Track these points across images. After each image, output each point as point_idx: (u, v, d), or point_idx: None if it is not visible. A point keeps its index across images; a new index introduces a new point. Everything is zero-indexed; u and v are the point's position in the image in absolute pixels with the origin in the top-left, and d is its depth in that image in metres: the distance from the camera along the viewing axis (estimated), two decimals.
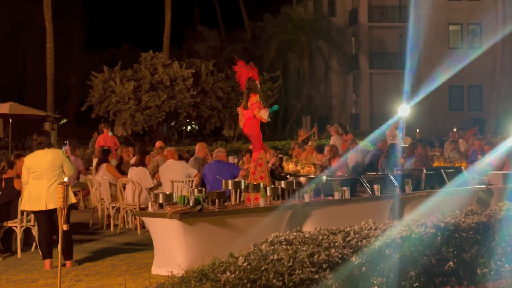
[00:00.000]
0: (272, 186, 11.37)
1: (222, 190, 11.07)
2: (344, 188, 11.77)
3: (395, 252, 6.55)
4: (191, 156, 16.76)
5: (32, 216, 11.64)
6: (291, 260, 5.81)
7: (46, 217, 10.78)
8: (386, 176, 12.98)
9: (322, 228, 7.02)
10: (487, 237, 7.60)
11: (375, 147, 17.88)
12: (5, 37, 47.37)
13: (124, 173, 15.35)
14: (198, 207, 9.85)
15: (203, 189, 11.22)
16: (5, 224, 12.07)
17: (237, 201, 11.29)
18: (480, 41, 43.07)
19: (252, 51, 48.01)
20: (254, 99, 11.95)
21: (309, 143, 22.21)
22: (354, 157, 16.85)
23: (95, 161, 17.99)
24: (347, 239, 6.59)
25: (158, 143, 19.42)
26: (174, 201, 10.10)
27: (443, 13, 43.21)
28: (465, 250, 7.32)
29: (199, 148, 16.01)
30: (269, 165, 14.33)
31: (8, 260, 11.69)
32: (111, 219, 14.80)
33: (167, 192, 10.65)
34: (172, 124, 38.75)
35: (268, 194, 11.00)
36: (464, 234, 7.39)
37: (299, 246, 6.25)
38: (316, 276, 5.72)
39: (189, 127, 47.55)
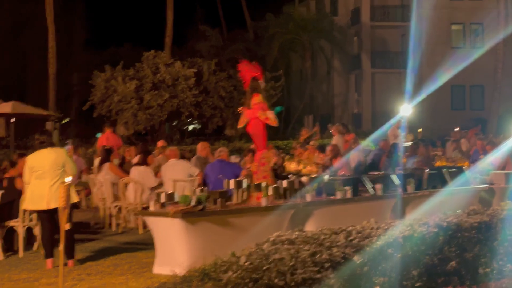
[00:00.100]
0: (274, 185, 11.37)
1: (224, 189, 11.07)
2: (346, 187, 11.77)
3: (397, 251, 6.55)
4: (193, 155, 16.76)
5: (34, 215, 11.65)
6: (293, 259, 5.81)
7: (48, 217, 10.79)
8: (388, 176, 12.99)
9: (324, 228, 7.02)
10: (489, 236, 7.60)
11: (377, 147, 17.88)
12: (7, 36, 47.35)
13: (126, 172, 15.35)
14: (200, 207, 9.86)
15: (205, 188, 11.23)
16: (7, 223, 12.07)
17: (239, 201, 11.29)
18: (482, 40, 43.04)
19: (254, 51, 47.98)
20: (257, 99, 11.94)
21: (311, 142, 22.16)
22: (356, 157, 16.85)
23: (97, 160, 17.99)
24: (349, 238, 6.59)
25: (160, 143, 19.41)
26: (176, 200, 10.11)
27: (445, 12, 43.19)
28: (467, 250, 7.31)
29: (201, 148, 16.01)
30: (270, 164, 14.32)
31: (10, 259, 11.70)
32: (113, 218, 14.80)
33: (169, 192, 10.66)
34: (174, 123, 38.74)
35: (270, 193, 11.00)
36: (466, 234, 7.39)
37: (301, 246, 6.25)
38: (318, 275, 5.72)
39: (191, 127, 47.51)
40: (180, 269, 7.40)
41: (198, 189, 10.86)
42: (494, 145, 17.87)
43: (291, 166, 16.35)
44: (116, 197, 14.98)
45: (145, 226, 13.48)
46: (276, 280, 5.52)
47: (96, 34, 59.38)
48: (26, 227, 12.00)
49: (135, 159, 15.76)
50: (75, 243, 11.17)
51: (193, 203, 9.78)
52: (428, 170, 13.72)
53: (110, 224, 14.87)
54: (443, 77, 36.05)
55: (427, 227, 7.10)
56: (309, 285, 5.62)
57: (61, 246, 8.46)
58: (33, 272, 10.43)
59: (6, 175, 12.62)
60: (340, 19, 48.69)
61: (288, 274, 5.60)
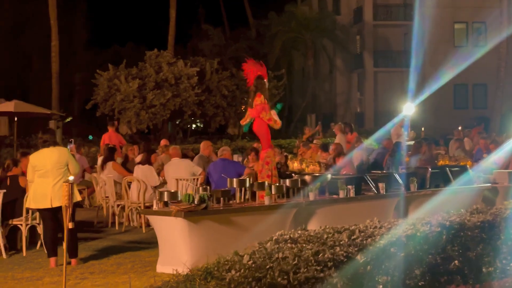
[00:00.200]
0: (277, 184, 11.38)
1: (227, 188, 11.08)
2: (349, 186, 11.77)
3: (400, 250, 6.54)
4: (195, 154, 16.77)
5: (37, 214, 11.66)
6: (296, 258, 5.80)
7: (51, 215, 10.80)
8: (391, 175, 12.99)
9: (327, 227, 7.02)
10: (493, 235, 7.59)
11: (380, 146, 17.87)
12: (8, 36, 47.36)
13: (129, 171, 15.37)
14: (203, 205, 9.86)
15: (208, 187, 11.24)
16: (10, 222, 12.08)
17: (242, 200, 11.29)
18: (485, 39, 43.01)
19: (257, 50, 47.98)
20: (259, 100, 11.95)
21: (314, 141, 22.20)
22: (359, 156, 16.84)
23: (100, 159, 18.01)
24: (352, 237, 6.58)
25: (163, 142, 19.42)
26: (179, 199, 10.12)
27: (448, 11, 43.16)
28: (470, 249, 7.31)
29: (204, 147, 16.02)
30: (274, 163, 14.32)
31: (14, 258, 11.71)
32: (116, 217, 14.82)
33: (172, 190, 10.66)
34: (177, 122, 38.77)
35: (273, 192, 11.01)
36: (469, 233, 7.38)
37: (304, 245, 6.25)
38: (321, 274, 5.71)
39: (193, 126, 47.55)
40: (183, 268, 7.39)
41: (200, 188, 10.86)
42: (497, 144, 17.86)
43: (294, 165, 16.37)
44: (119, 196, 15.00)
45: (148, 225, 13.49)
46: (279, 279, 5.52)
47: (99, 33, 59.47)
48: (29, 225, 12.01)
49: (138, 158, 15.77)
50: (78, 242, 11.19)
51: (196, 202, 9.78)
52: (431, 169, 13.70)
53: (113, 223, 14.88)
54: (446, 76, 36.02)
55: (430, 226, 7.09)
56: (312, 284, 5.62)
57: (64, 245, 8.47)
58: (36, 271, 10.44)
59: (9, 174, 12.63)
60: (343, 18, 48.68)
61: (291, 273, 5.60)
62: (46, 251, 10.98)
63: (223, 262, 5.88)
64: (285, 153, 18.62)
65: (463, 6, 43.66)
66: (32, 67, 49.85)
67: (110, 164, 15.66)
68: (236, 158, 18.16)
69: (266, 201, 10.80)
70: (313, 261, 5.81)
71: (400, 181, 12.71)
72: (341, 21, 47.73)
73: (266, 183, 11.17)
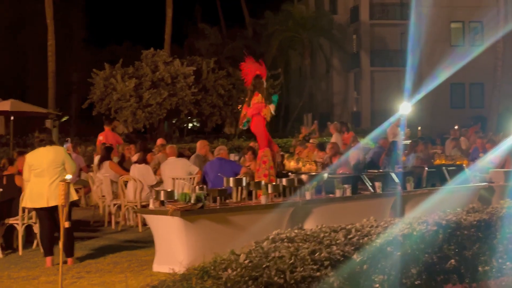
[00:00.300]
0: (274, 183, 11.38)
1: (223, 187, 11.07)
2: (346, 185, 11.77)
3: (397, 249, 6.54)
4: (192, 153, 16.76)
5: (33, 213, 11.64)
6: (293, 257, 5.80)
7: (48, 214, 10.79)
8: (387, 174, 12.99)
9: (324, 226, 7.02)
10: (489, 234, 7.60)
11: (376, 145, 17.88)
12: (6, 34, 47.32)
13: (126, 170, 15.36)
14: (200, 205, 9.85)
15: (205, 186, 11.24)
16: (6, 221, 12.07)
17: (239, 199, 11.29)
18: (481, 38, 43.06)
19: (253, 49, 47.94)
20: (256, 99, 11.95)
21: (311, 140, 22.20)
22: (356, 155, 16.84)
23: (96, 158, 17.99)
24: (349, 236, 6.58)
25: (159, 141, 19.39)
26: (176, 198, 10.11)
27: (444, 10, 43.20)
28: (466, 248, 7.31)
29: (200, 146, 16.01)
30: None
31: (10, 257, 11.71)
32: (113, 216, 14.81)
33: (169, 190, 10.66)
34: (173, 121, 38.73)
35: (270, 191, 11.01)
36: (465, 232, 7.38)
37: (300, 244, 6.25)
38: (318, 273, 5.71)
39: (190, 125, 47.51)
40: (179, 267, 7.38)
41: (197, 187, 10.86)
42: (494, 143, 17.86)
43: (291, 164, 16.37)
44: (115, 195, 14.98)
45: (144, 224, 13.48)
46: (275, 278, 5.52)
47: (95, 32, 59.40)
48: (26, 225, 11.99)
49: (135, 157, 15.76)
50: (74, 241, 11.17)
51: (192, 201, 9.78)
52: (428, 168, 13.71)
53: (109, 222, 14.87)
54: (442, 75, 36.05)
55: (427, 225, 7.09)
56: (308, 283, 5.62)
57: (61, 244, 8.46)
58: (32, 270, 10.43)
59: (5, 173, 12.62)
60: (339, 17, 48.69)
61: (287, 272, 5.60)
62: (42, 250, 10.97)
63: (220, 261, 5.88)
64: (282, 152, 18.61)
65: (459, 6, 43.70)
66: (29, 66, 49.80)
67: (106, 163, 15.64)
68: (233, 157, 18.14)
69: (263, 200, 10.80)
70: (309, 260, 5.82)
71: (396, 180, 12.71)
72: (338, 20, 47.73)
73: (263, 182, 11.17)
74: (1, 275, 10.14)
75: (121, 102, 33.01)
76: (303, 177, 11.91)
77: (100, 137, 20.70)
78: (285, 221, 10.85)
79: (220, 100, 35.02)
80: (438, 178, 13.58)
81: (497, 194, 13.87)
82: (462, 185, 13.62)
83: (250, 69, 12.26)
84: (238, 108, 35.50)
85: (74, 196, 10.86)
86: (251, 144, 18.13)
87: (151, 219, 10.42)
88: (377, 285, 6.17)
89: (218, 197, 10.53)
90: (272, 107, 12.06)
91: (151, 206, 10.37)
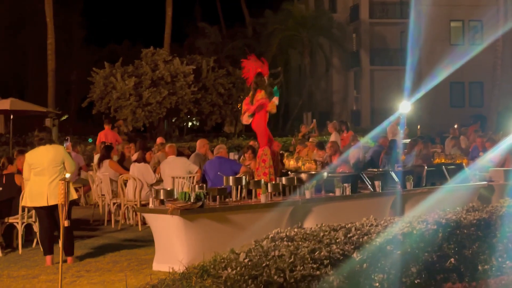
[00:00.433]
0: (274, 182, 11.38)
1: (223, 186, 11.07)
2: (345, 184, 11.76)
3: (397, 248, 6.54)
4: (192, 152, 16.76)
5: (33, 212, 11.65)
6: (293, 256, 5.81)
7: (48, 213, 10.78)
8: (387, 173, 12.98)
9: (323, 225, 7.02)
10: (489, 233, 7.60)
11: (376, 144, 17.88)
12: (6, 33, 47.34)
13: (126, 169, 15.36)
14: (199, 204, 9.85)
15: (204, 185, 11.23)
16: (6, 220, 12.07)
17: (238, 198, 11.29)
18: (481, 37, 43.05)
19: (253, 48, 47.98)
20: (260, 95, 11.97)
21: (310, 139, 22.20)
22: (355, 154, 16.85)
23: (96, 157, 18.00)
24: (348, 235, 6.59)
25: (159, 140, 19.41)
26: (175, 197, 10.11)
27: (444, 9, 43.18)
28: (466, 247, 7.31)
29: (200, 145, 16.00)
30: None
31: (10, 256, 11.70)
32: (112, 215, 14.80)
33: (168, 189, 10.65)
34: (173, 120, 38.74)
35: (269, 190, 11.01)
36: (465, 231, 7.38)
37: (300, 243, 6.25)
38: (318, 272, 5.72)
39: (190, 124, 47.53)
40: (179, 266, 7.39)
41: (197, 186, 10.85)
42: (494, 142, 17.85)
43: (290, 163, 16.36)
44: (115, 194, 14.98)
45: (144, 223, 13.49)
46: (275, 277, 5.52)
47: (95, 31, 59.45)
48: (25, 224, 11.99)
49: (134, 156, 15.76)
50: (74, 240, 11.17)
51: (192, 200, 9.77)
52: (427, 167, 13.70)
53: (109, 221, 14.87)
54: (442, 74, 36.05)
55: (426, 224, 7.10)
56: (308, 282, 5.62)
57: (60, 243, 8.46)
58: (32, 269, 10.43)
59: (5, 172, 12.61)
60: (339, 16, 48.66)
61: (287, 271, 5.60)
62: (42, 249, 10.97)
63: (219, 260, 5.88)
64: (281, 151, 18.60)
65: (459, 4, 43.68)
66: (29, 65, 49.82)
67: (106, 162, 15.64)
68: (232, 156, 18.16)
69: (262, 199, 10.80)
70: (309, 259, 5.82)
71: (396, 179, 12.71)
72: (338, 19, 47.70)
73: (262, 181, 11.17)
74: (1, 274, 10.14)
75: (120, 101, 33.01)
76: (303, 176, 11.91)
77: (100, 135, 20.74)
78: (285, 220, 10.85)
79: (219, 99, 35.03)
80: (437, 177, 13.58)
81: (497, 193, 13.86)
82: (461, 184, 13.61)
83: (252, 66, 12.26)
84: (238, 107, 35.52)
85: (73, 195, 10.86)
86: (251, 143, 18.12)
87: (150, 218, 10.42)
88: (377, 284, 6.18)
89: (217, 196, 10.53)
90: (276, 99, 12.09)
91: (150, 205, 10.37)
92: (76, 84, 52.71)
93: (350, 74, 49.48)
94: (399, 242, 6.64)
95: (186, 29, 58.25)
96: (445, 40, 43.75)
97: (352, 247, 6.29)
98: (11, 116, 24.99)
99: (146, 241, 12.20)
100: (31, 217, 11.93)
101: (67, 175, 8.68)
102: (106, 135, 21.28)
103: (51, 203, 10.56)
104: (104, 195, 15.26)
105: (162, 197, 10.22)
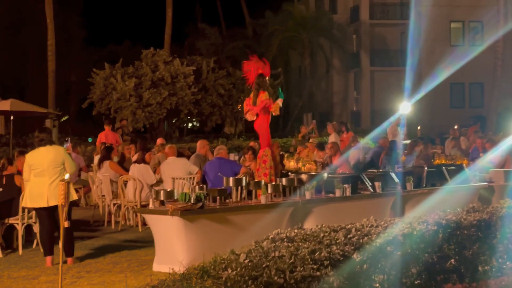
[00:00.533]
0: (274, 183, 11.38)
1: (223, 187, 11.07)
2: (345, 185, 11.77)
3: (397, 249, 6.54)
4: (192, 153, 16.76)
5: (33, 213, 11.64)
6: (293, 257, 5.80)
7: (48, 214, 10.78)
8: (387, 174, 12.99)
9: (324, 225, 7.02)
10: (489, 234, 7.60)
11: (376, 145, 17.88)
12: (6, 34, 47.33)
13: (126, 170, 15.36)
14: (199, 204, 9.85)
15: (204, 186, 11.23)
16: (6, 221, 12.07)
17: (238, 198, 11.29)
18: (481, 38, 43.05)
19: (253, 49, 47.98)
20: (263, 96, 11.98)
21: (310, 140, 22.21)
22: (356, 155, 16.86)
23: (96, 158, 18.00)
24: (349, 236, 6.59)
25: (159, 140, 19.41)
26: (175, 198, 10.11)
27: (444, 10, 43.18)
28: (466, 248, 7.31)
29: (201, 145, 16.01)
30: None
31: (10, 256, 11.70)
32: (112, 216, 14.80)
33: (168, 189, 10.65)
34: (173, 121, 38.74)
35: (269, 191, 11.01)
36: (465, 232, 7.38)
37: (300, 243, 6.25)
38: (318, 273, 5.72)
39: (190, 124, 47.52)
40: (179, 267, 7.39)
41: (197, 187, 10.85)
42: (494, 143, 17.85)
43: (291, 163, 16.38)
44: (115, 195, 14.98)
45: (144, 223, 13.48)
46: (275, 278, 5.52)
47: (95, 32, 59.44)
48: (26, 224, 11.99)
49: (135, 157, 15.77)
50: (74, 240, 11.17)
51: (192, 200, 9.77)
52: (428, 168, 13.71)
53: (109, 222, 14.87)
54: (442, 74, 36.07)
55: (427, 225, 7.10)
56: (308, 282, 5.62)
57: (61, 244, 8.46)
58: (32, 270, 10.43)
59: (5, 173, 12.61)
60: (339, 17, 48.68)
61: (287, 271, 5.60)
62: (42, 250, 10.97)
63: (220, 261, 5.88)
64: (281, 152, 18.61)
65: (459, 5, 43.68)
66: (29, 66, 49.81)
67: (107, 163, 15.64)
68: (232, 157, 18.15)
69: (263, 200, 10.79)
70: (309, 260, 5.82)
71: (396, 180, 12.71)
72: (338, 20, 47.71)
73: (263, 182, 11.17)
74: (1, 275, 10.14)
75: (121, 101, 33.01)
76: (303, 176, 11.91)
77: (100, 136, 20.74)
78: (285, 221, 10.85)
79: (220, 99, 35.03)
80: (438, 178, 13.58)
81: (497, 194, 13.87)
82: (462, 185, 13.61)
83: (253, 67, 12.26)
84: (238, 107, 35.52)
85: (74, 196, 10.85)
86: (251, 143, 18.13)
87: (151, 219, 10.41)
88: (377, 285, 6.18)
89: (217, 197, 10.53)
90: (280, 101, 12.10)
91: (151, 206, 10.37)
92: (76, 85, 52.70)
93: (350, 75, 49.48)
94: (399, 243, 6.64)
95: (186, 30, 58.28)
96: (445, 41, 43.75)
97: (352, 248, 6.29)
98: (11, 117, 25.01)
99: (146, 242, 12.19)
100: (31, 218, 11.92)
101: (67, 176, 8.68)
102: (106, 136, 21.27)
103: (51, 204, 10.55)
104: (104, 196, 15.26)
105: (162, 198, 10.22)
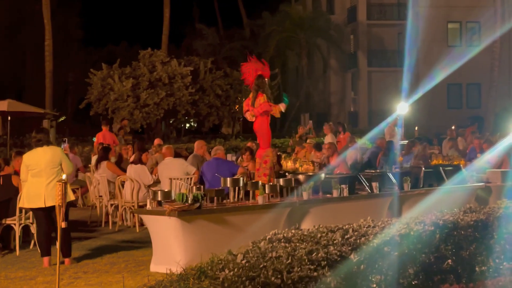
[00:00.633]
0: (271, 184, 11.38)
1: (220, 187, 11.07)
2: (343, 185, 11.78)
3: (394, 249, 6.54)
4: (189, 153, 16.76)
5: (30, 213, 11.64)
6: (290, 257, 5.80)
7: (45, 215, 10.77)
8: (384, 174, 13.00)
9: (321, 226, 7.01)
10: (486, 235, 7.60)
11: (373, 145, 17.89)
12: (4, 34, 47.32)
13: (124, 171, 15.35)
14: (197, 205, 9.85)
15: (202, 186, 11.23)
16: (3, 221, 12.06)
17: (236, 199, 11.29)
18: (478, 39, 43.08)
19: (251, 49, 48.00)
20: (262, 99, 11.97)
21: (308, 140, 22.22)
22: (353, 155, 16.86)
23: (94, 158, 17.99)
24: (346, 236, 6.58)
25: (157, 141, 19.41)
26: (173, 198, 10.11)
27: (441, 11, 43.22)
28: (463, 248, 7.31)
29: (198, 146, 16.01)
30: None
31: (7, 257, 11.69)
32: (110, 216, 14.80)
33: (166, 190, 10.65)
34: (171, 121, 38.76)
35: (267, 192, 11.01)
36: (462, 232, 7.39)
37: (297, 244, 6.24)
38: (315, 273, 5.71)
39: (187, 125, 47.53)
40: (176, 267, 7.39)
41: (194, 187, 10.85)
42: (491, 143, 17.88)
43: (288, 164, 16.38)
44: (112, 195, 14.98)
45: (141, 224, 13.47)
46: (272, 278, 5.51)
47: (93, 33, 59.47)
48: (23, 225, 11.98)
49: (132, 157, 15.77)
50: (71, 241, 11.17)
51: (189, 201, 9.77)
52: (425, 168, 13.72)
53: (106, 222, 14.86)
54: (439, 75, 36.10)
55: (424, 225, 7.10)
56: (305, 283, 5.62)
57: (58, 244, 8.45)
58: (29, 270, 10.42)
59: (2, 173, 12.60)
60: (337, 17, 48.70)
61: (284, 272, 5.60)
62: (39, 251, 10.96)
63: (217, 261, 5.88)
64: (279, 153, 18.61)
65: (457, 6, 43.71)
66: (27, 66, 49.80)
67: (104, 163, 15.64)
68: (230, 157, 18.16)
69: (260, 200, 10.80)
70: (306, 260, 5.81)
71: (393, 180, 12.72)
72: (335, 20, 47.73)
73: (260, 183, 11.18)
74: None
75: (118, 102, 33.01)
76: (300, 177, 11.92)
77: (98, 136, 20.72)
78: (282, 221, 10.86)
79: (217, 100, 35.05)
80: (435, 178, 13.60)
81: (494, 194, 13.89)
82: (459, 185, 13.63)
83: (252, 68, 12.26)
84: (236, 108, 35.53)
85: (71, 196, 10.85)
86: (249, 144, 18.13)
87: (148, 220, 10.41)
88: (374, 285, 6.17)
89: (215, 198, 10.53)
90: (283, 107, 12.06)
91: (148, 207, 10.37)
92: (74, 85, 52.70)
93: (348, 76, 49.50)
94: (397, 243, 6.64)
95: (183, 31, 58.30)
96: (442, 41, 43.78)
97: (350, 248, 6.29)
98: (9, 118, 25.00)
99: (143, 243, 12.19)
100: (28, 218, 11.91)
101: (64, 176, 8.67)
102: (104, 136, 21.27)
103: (49, 204, 10.55)
104: (101, 196, 15.25)
105: (159, 199, 10.23)
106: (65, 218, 9.49)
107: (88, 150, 24.69)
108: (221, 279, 5.51)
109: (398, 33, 46.04)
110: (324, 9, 49.77)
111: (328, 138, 21.95)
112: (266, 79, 12.27)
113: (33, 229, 11.81)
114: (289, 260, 5.75)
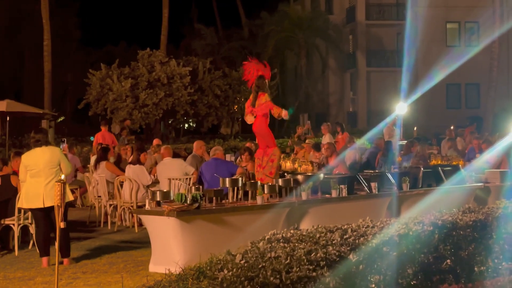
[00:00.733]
0: (270, 184, 11.38)
1: (219, 188, 11.07)
2: (342, 186, 11.77)
3: (393, 250, 6.54)
4: (188, 154, 16.76)
5: (29, 213, 11.63)
6: (289, 257, 5.80)
7: (44, 215, 10.77)
8: (383, 174, 13.00)
9: (320, 226, 7.02)
10: (485, 235, 7.60)
11: (372, 145, 17.90)
12: (3, 35, 47.30)
13: (123, 171, 15.35)
14: (196, 205, 9.85)
15: (201, 187, 11.23)
16: (2, 221, 12.06)
17: (235, 199, 11.29)
18: (477, 39, 43.09)
19: (250, 49, 48.03)
20: (263, 98, 11.98)
21: (306, 141, 22.22)
22: (352, 155, 16.87)
23: (93, 158, 17.98)
24: (345, 237, 6.58)
25: (155, 141, 19.41)
26: (172, 199, 10.10)
27: (440, 11, 43.24)
28: (462, 248, 7.32)
29: (197, 146, 16.01)
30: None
31: (6, 257, 11.69)
32: (109, 216, 14.80)
33: (165, 190, 10.65)
34: (170, 122, 38.76)
35: (266, 192, 11.01)
36: (461, 232, 7.39)
37: (296, 244, 6.24)
38: (314, 273, 5.71)
39: (186, 125, 47.52)
40: (175, 268, 7.39)
41: (193, 188, 10.85)
42: (490, 143, 17.89)
43: (287, 164, 16.37)
44: (111, 196, 14.97)
45: (140, 224, 13.47)
46: (271, 279, 5.52)
47: (92, 33, 59.47)
48: (22, 225, 11.98)
49: (131, 158, 15.77)
50: (70, 241, 11.16)
51: (188, 201, 9.77)
52: (424, 168, 13.72)
53: (105, 223, 14.86)
54: (438, 75, 36.13)
55: (423, 226, 7.10)
56: (304, 283, 5.62)
57: (57, 245, 8.45)
58: (28, 271, 10.41)
59: (1, 174, 12.59)
60: (336, 17, 48.70)
61: (283, 272, 5.60)
62: (38, 251, 10.96)
63: (216, 262, 5.88)
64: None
65: (455, 6, 43.74)
66: (25, 67, 49.78)
67: (103, 163, 15.64)
68: (229, 157, 18.16)
69: (259, 200, 10.80)
70: (305, 261, 5.81)
71: (392, 180, 12.72)
72: (334, 20, 47.73)
73: (259, 183, 11.18)
74: None
75: (117, 102, 33.00)
76: (299, 177, 11.91)
77: (97, 136, 20.71)
78: (281, 222, 10.85)
79: (216, 100, 35.04)
80: (434, 178, 13.59)
81: (493, 195, 13.89)
82: (458, 186, 13.62)
83: (253, 69, 12.27)
84: (235, 108, 35.53)
85: (70, 197, 10.85)
86: (248, 144, 18.13)
87: (147, 220, 10.41)
88: (373, 285, 6.17)
89: (214, 198, 10.53)
90: (285, 114, 12.03)
91: (147, 207, 10.37)
92: (73, 85, 52.68)
93: (347, 76, 49.50)
94: (395, 243, 6.64)
95: (182, 31, 58.30)
96: (441, 41, 43.80)
97: (348, 248, 6.29)
98: (7, 118, 24.99)
99: (142, 243, 12.19)
100: (27, 218, 11.91)
101: (63, 177, 8.67)
102: (103, 136, 21.27)
103: (47, 204, 10.54)
104: (100, 196, 15.25)
105: (158, 199, 10.22)
106: (64, 218, 9.48)
107: (87, 150, 24.68)
108: (220, 279, 5.51)
109: (397, 33, 46.06)
110: (322, 9, 49.76)
111: (326, 139, 21.97)
112: (267, 81, 12.29)
113: (32, 229, 11.81)
114: (288, 260, 5.75)
